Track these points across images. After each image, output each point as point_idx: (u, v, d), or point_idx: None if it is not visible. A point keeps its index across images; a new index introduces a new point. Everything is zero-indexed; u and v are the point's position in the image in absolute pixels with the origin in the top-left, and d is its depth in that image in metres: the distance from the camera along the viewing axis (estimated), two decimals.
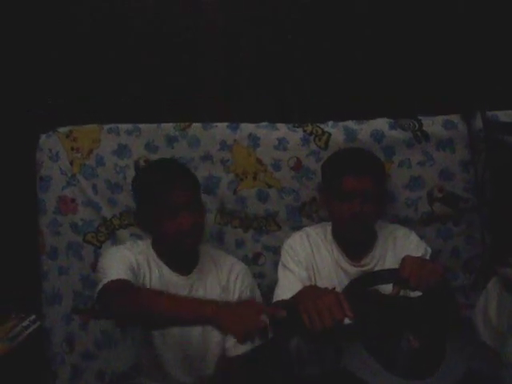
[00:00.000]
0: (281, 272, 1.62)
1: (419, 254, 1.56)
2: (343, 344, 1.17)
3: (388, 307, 1.25)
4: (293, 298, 1.36)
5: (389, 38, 1.91)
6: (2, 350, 1.61)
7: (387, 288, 1.32)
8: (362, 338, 1.16)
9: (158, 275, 1.50)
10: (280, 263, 1.64)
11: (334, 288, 1.26)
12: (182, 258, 1.54)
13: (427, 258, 1.58)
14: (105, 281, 1.35)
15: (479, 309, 1.54)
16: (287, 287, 1.54)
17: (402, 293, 1.33)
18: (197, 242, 1.52)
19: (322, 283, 1.56)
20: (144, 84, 1.96)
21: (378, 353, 1.13)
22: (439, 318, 1.23)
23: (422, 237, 1.73)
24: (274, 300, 1.56)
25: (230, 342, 1.49)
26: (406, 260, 1.30)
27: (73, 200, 1.83)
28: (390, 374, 1.10)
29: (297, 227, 1.79)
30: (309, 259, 1.61)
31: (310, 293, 1.23)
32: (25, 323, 1.74)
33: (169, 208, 1.41)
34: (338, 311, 1.12)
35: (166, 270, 1.52)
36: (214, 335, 1.51)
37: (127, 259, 1.45)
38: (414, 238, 1.65)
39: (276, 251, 1.81)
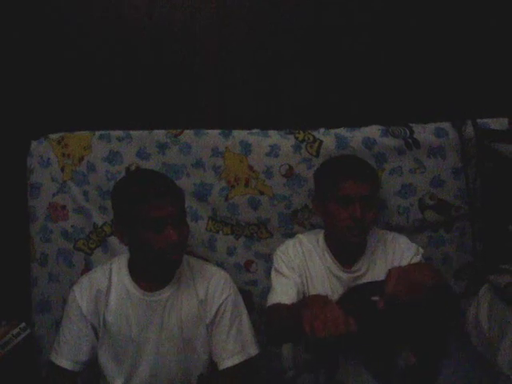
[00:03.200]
0: (274, 277, 1.60)
1: (411, 254, 1.57)
2: (340, 358, 1.17)
3: (384, 319, 1.25)
4: (299, 304, 1.36)
5: (381, 47, 1.92)
6: None
7: None
8: (359, 352, 1.16)
9: (124, 296, 1.47)
10: (273, 269, 1.63)
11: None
12: (159, 274, 1.48)
13: (419, 257, 1.58)
14: (56, 364, 1.44)
15: (470, 316, 1.55)
16: (282, 291, 1.54)
17: None
18: (182, 256, 1.46)
19: (315, 290, 1.57)
20: (136, 91, 1.95)
21: (375, 368, 1.13)
22: (436, 329, 1.22)
23: None
24: (269, 304, 1.54)
25: (216, 354, 1.49)
26: (391, 273, 1.29)
27: (64, 207, 1.83)
28: None
29: (288, 234, 1.80)
30: (302, 266, 1.61)
31: (317, 302, 1.21)
32: (15, 331, 1.74)
33: (155, 222, 1.34)
34: (344, 323, 1.10)
35: (133, 287, 1.47)
36: (196, 349, 1.50)
37: (75, 333, 1.46)
38: (403, 240, 1.65)
39: (268, 258, 1.81)
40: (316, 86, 1.96)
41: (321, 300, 1.23)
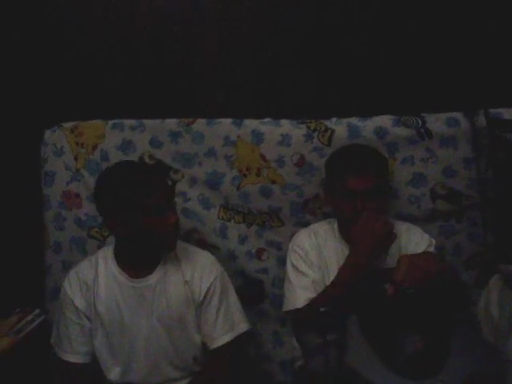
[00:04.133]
0: (292, 275, 1.61)
1: (424, 246, 1.59)
2: (348, 341, 1.18)
3: (393, 306, 1.26)
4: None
5: (393, 35, 1.91)
6: (7, 344, 1.64)
7: None
8: (368, 336, 1.17)
9: (112, 285, 1.50)
10: (289, 264, 1.64)
11: None
12: (148, 260, 1.52)
13: (432, 248, 1.60)
14: (62, 358, 1.51)
15: (481, 306, 1.55)
16: (302, 291, 1.55)
17: None
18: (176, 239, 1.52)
19: (332, 278, 1.56)
20: (149, 80, 1.97)
21: (383, 352, 1.14)
22: (444, 316, 1.23)
23: None
24: (287, 308, 1.59)
25: (206, 335, 1.52)
26: (401, 261, 1.33)
27: (77, 195, 1.85)
28: (395, 374, 1.11)
29: (300, 223, 1.80)
30: (319, 258, 1.62)
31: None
32: (29, 317, 1.77)
33: (155, 209, 1.40)
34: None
35: (120, 275, 1.51)
36: (187, 330, 1.52)
37: (76, 325, 1.50)
38: (416, 230, 1.66)
39: (279, 247, 1.82)
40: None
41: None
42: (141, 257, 1.50)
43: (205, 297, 1.51)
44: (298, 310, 1.55)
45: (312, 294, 1.54)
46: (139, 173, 1.47)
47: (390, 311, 1.25)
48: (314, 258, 1.61)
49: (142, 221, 1.39)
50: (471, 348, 1.19)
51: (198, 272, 1.53)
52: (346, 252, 1.60)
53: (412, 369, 1.13)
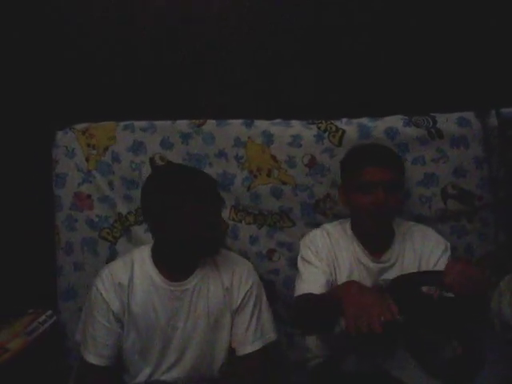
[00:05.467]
0: (302, 266, 1.61)
1: (440, 250, 1.59)
2: (385, 346, 1.17)
3: (434, 310, 1.25)
4: (333, 293, 1.39)
5: (403, 35, 1.91)
6: (19, 345, 1.64)
7: None
8: (406, 340, 1.16)
9: (149, 287, 1.49)
10: (300, 258, 1.64)
11: (381, 286, 1.27)
12: (186, 263, 1.52)
13: (448, 252, 1.60)
14: (85, 359, 1.46)
15: (493, 306, 1.55)
16: (311, 280, 1.54)
17: None
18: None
19: (343, 279, 1.56)
20: (159, 81, 1.97)
21: (421, 358, 1.14)
22: (477, 324, 1.23)
23: None
24: (299, 293, 1.56)
25: (237, 341, 1.51)
26: (450, 266, 1.32)
27: (88, 196, 1.85)
28: (431, 378, 1.11)
29: (311, 224, 1.80)
30: (330, 255, 1.61)
31: (356, 294, 1.23)
32: (41, 318, 1.77)
33: (204, 216, 1.42)
34: (388, 314, 1.12)
35: (158, 278, 1.49)
36: (221, 336, 1.52)
37: (104, 328, 1.46)
38: (432, 233, 1.65)
39: (290, 248, 1.82)
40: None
41: (358, 290, 1.25)
42: (181, 260, 1.50)
43: (240, 303, 1.52)
44: (299, 296, 1.55)
45: (322, 282, 1.53)
46: (189, 179, 1.46)
47: (430, 315, 1.24)
48: (324, 254, 1.61)
49: (191, 227, 1.40)
50: (505, 358, 1.18)
51: (237, 279, 1.53)
52: (359, 252, 1.61)
53: (449, 374, 1.12)
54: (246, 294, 1.52)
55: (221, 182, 1.82)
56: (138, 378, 1.49)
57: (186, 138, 1.83)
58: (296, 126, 1.81)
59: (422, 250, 1.60)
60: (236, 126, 1.83)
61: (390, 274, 1.53)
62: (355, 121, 1.80)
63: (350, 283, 1.38)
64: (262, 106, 1.95)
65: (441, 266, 1.46)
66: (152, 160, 1.83)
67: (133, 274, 1.50)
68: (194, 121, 1.83)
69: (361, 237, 1.63)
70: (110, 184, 1.84)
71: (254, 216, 1.85)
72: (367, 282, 1.55)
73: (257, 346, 1.50)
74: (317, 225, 1.76)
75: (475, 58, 1.89)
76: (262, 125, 1.82)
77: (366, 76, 1.93)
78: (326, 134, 1.78)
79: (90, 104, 1.96)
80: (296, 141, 1.79)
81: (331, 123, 1.79)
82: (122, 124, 1.85)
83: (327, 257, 1.60)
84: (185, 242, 1.43)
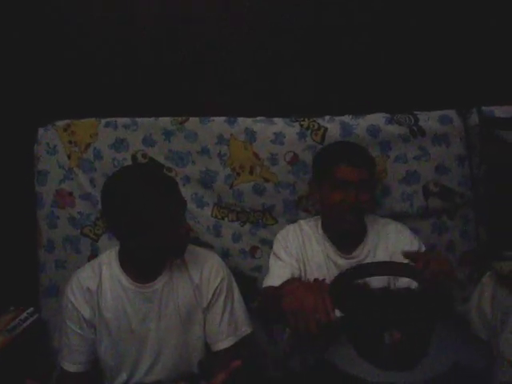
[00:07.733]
0: (272, 261, 1.65)
1: (414, 249, 1.58)
2: (328, 339, 1.18)
3: (374, 300, 1.26)
4: (279, 288, 1.40)
5: (386, 34, 1.91)
6: (1, 342, 1.63)
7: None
8: (346, 330, 1.17)
9: (119, 291, 1.46)
10: (271, 252, 1.67)
11: (324, 279, 1.28)
12: (154, 264, 1.49)
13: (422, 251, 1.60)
14: (62, 367, 1.46)
15: (473, 302, 1.56)
16: (277, 275, 1.57)
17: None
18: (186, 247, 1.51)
19: (313, 275, 1.58)
20: (141, 78, 1.96)
21: (361, 345, 1.15)
22: (428, 310, 1.23)
23: (417, 231, 1.77)
24: (264, 286, 1.59)
25: (210, 337, 1.51)
26: (420, 258, 1.33)
27: (70, 193, 1.84)
28: (373, 367, 1.11)
29: (293, 221, 1.80)
30: (300, 251, 1.64)
31: (296, 290, 1.23)
32: (23, 316, 1.77)
33: (167, 222, 1.36)
34: (323, 315, 1.12)
35: (127, 280, 1.47)
36: (195, 333, 1.51)
37: (77, 335, 1.46)
38: (407, 233, 1.66)
39: (272, 245, 1.82)
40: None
41: (297, 289, 1.24)
42: (150, 263, 1.48)
43: (211, 299, 1.50)
44: (263, 289, 1.58)
45: (287, 276, 1.54)
46: (150, 184, 1.35)
47: (371, 306, 1.25)
48: (294, 249, 1.64)
49: (154, 234, 1.35)
50: (454, 341, 1.19)
51: (206, 274, 1.51)
52: (329, 248, 1.63)
53: (390, 360, 1.13)
54: (215, 290, 1.50)
55: (204, 179, 1.82)
56: (116, 382, 1.49)
57: (168, 135, 1.82)
58: (279, 124, 1.81)
59: (395, 247, 1.60)
60: (219, 123, 1.82)
61: None
62: (337, 118, 1.80)
63: (292, 281, 1.42)
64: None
65: None
66: (134, 157, 1.83)
67: (101, 279, 1.48)
68: (176, 118, 1.83)
69: (330, 233, 1.65)
70: (92, 181, 1.84)
71: (236, 213, 1.85)
72: None
73: (231, 341, 1.49)
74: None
75: (457, 57, 1.90)
76: (244, 122, 1.82)
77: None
78: (309, 131, 1.78)
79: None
80: (278, 138, 1.79)
81: (314, 121, 1.80)
82: (103, 121, 1.84)
83: (297, 251, 1.63)
84: (162, 248, 1.41)
